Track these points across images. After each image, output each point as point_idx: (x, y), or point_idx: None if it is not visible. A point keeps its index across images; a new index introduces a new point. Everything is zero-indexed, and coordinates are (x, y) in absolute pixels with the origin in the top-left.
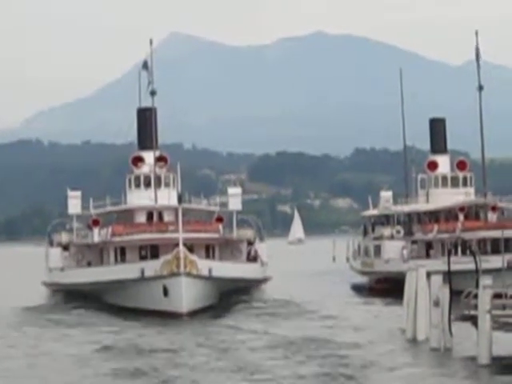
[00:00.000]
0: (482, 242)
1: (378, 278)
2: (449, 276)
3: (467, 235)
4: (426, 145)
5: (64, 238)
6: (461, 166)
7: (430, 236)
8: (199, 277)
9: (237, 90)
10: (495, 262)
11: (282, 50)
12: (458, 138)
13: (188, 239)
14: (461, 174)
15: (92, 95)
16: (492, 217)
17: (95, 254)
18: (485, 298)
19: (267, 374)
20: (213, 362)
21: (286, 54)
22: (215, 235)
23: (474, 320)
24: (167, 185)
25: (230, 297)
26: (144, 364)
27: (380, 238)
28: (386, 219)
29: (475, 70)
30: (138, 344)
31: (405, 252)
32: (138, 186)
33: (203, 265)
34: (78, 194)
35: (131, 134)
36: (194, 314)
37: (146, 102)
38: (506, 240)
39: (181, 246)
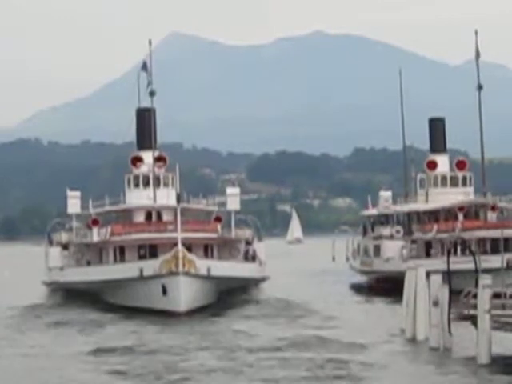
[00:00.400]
0: (481, 241)
1: (378, 277)
2: (448, 276)
3: (467, 235)
4: (425, 144)
5: (63, 237)
6: (460, 165)
7: (430, 236)
8: (198, 276)
9: (236, 89)
10: (494, 261)
11: (281, 49)
12: (457, 138)
13: (186, 239)
14: (460, 174)
15: (91, 95)
16: (491, 216)
17: (94, 254)
18: (484, 298)
19: (266, 373)
20: (211, 362)
21: (284, 54)
22: (213, 235)
23: (473, 319)
24: (166, 185)
25: (228, 296)
26: (143, 364)
27: (379, 237)
28: (385, 219)
29: (474, 70)
30: (137, 343)
31: (404, 251)
32: (136, 185)
33: (202, 264)
34: (78, 193)
35: (130, 134)
36: (192, 313)
37: (146, 103)
38: (506, 240)
39: (179, 246)
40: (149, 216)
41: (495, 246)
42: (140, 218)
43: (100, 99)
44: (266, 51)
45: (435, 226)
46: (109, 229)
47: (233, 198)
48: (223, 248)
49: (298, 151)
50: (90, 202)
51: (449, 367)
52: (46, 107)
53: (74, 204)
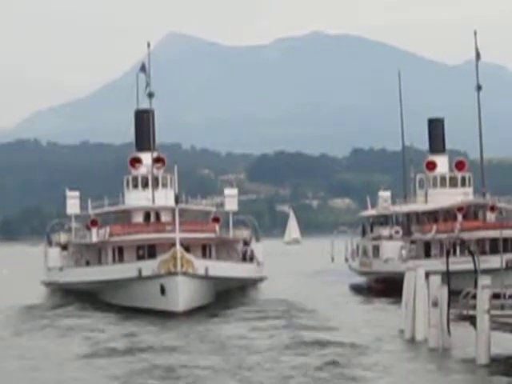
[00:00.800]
0: (480, 241)
1: (377, 278)
2: (447, 276)
3: (466, 235)
4: (424, 145)
5: (63, 237)
6: (459, 166)
7: (429, 236)
8: (196, 276)
9: (235, 90)
10: (494, 261)
11: (280, 50)
12: (456, 138)
13: (185, 239)
14: (459, 174)
15: (90, 96)
16: (490, 217)
17: (93, 254)
18: (483, 298)
19: (264, 374)
20: (209, 361)
21: (283, 54)
22: (212, 235)
23: (472, 320)
24: (164, 185)
25: (226, 296)
26: (142, 364)
27: (378, 238)
28: (384, 219)
29: (473, 70)
30: (136, 344)
31: (403, 252)
32: (135, 186)
33: (200, 264)
34: (77, 194)
35: (129, 135)
36: (190, 312)
37: (144, 104)
38: (505, 240)
39: (178, 246)
40: (147, 217)
41: (494, 247)
42: (139, 218)
43: (99, 100)
44: (264, 52)
45: (434, 227)
46: (108, 229)
47: (231, 199)
48: (221, 248)
49: (296, 151)
50: (89, 203)
51: (448, 368)
52: (44, 108)
53: (73, 205)
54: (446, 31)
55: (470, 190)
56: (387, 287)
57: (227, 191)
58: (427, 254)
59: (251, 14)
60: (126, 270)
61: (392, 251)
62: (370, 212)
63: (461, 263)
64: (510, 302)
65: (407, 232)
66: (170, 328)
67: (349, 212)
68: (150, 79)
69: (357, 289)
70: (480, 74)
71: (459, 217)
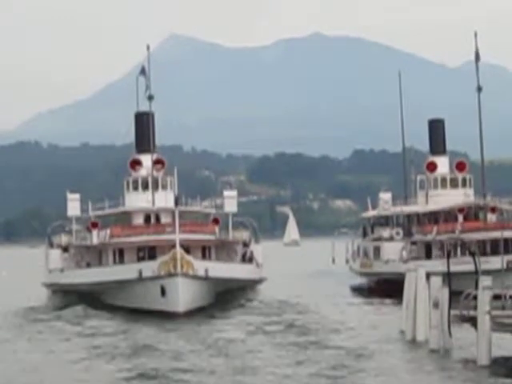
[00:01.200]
0: (481, 243)
1: (378, 279)
2: (448, 277)
3: (466, 236)
4: (425, 146)
5: (63, 239)
6: (460, 167)
7: (430, 237)
8: (195, 277)
9: (236, 91)
10: (495, 262)
11: (280, 51)
12: (457, 139)
13: (185, 240)
14: (460, 175)
15: (91, 97)
16: (491, 218)
17: (94, 256)
18: (484, 299)
19: (264, 374)
20: (208, 362)
21: (283, 56)
22: (211, 237)
23: (473, 321)
24: (164, 187)
25: (225, 297)
26: (142, 365)
27: (379, 239)
28: (385, 220)
29: (474, 71)
30: (136, 344)
31: (404, 253)
32: (135, 188)
33: (199, 265)
34: (77, 196)
35: (130, 136)
36: (190, 313)
37: (144, 106)
38: (506, 241)
39: (178, 247)
40: (147, 218)
41: (495, 248)
42: (139, 220)
43: (100, 101)
44: (265, 53)
45: (435, 228)
46: (108, 231)
47: (230, 201)
48: (221, 250)
49: (297, 153)
50: (90, 205)
51: (449, 369)
52: (45, 109)
53: (73, 207)
54: (446, 32)
55: (470, 191)
56: (388, 288)
57: (226, 193)
58: (428, 255)
59: (252, 16)
60: (127, 271)
61: (393, 252)
62: (371, 213)
63: (461, 264)
64: (511, 302)
65: (408, 233)
66: (171, 330)
67: (349, 213)
68: (149, 82)
69: (357, 290)
70: (480, 74)
71: (460, 218)
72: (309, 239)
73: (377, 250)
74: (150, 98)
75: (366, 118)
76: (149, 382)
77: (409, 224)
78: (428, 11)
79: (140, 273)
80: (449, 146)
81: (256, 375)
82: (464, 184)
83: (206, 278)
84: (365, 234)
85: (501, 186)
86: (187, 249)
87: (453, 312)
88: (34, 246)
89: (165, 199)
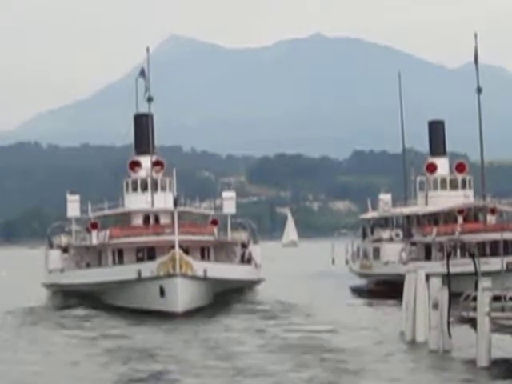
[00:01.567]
0: (481, 244)
1: (377, 280)
2: (448, 278)
3: (466, 237)
4: (424, 147)
5: (63, 240)
6: (460, 168)
7: (429, 238)
8: (194, 278)
9: (236, 92)
10: (494, 264)
11: (281, 52)
12: (456, 140)
13: (184, 241)
14: (460, 177)
15: (91, 97)
16: (491, 219)
17: (94, 256)
18: (484, 301)
19: (263, 375)
20: (207, 363)
21: (284, 57)
22: (210, 238)
23: (473, 322)
24: (163, 189)
25: (224, 297)
26: (141, 366)
27: (379, 240)
28: (384, 221)
29: (473, 72)
30: (136, 345)
31: (404, 254)
32: (135, 189)
33: (198, 266)
34: (77, 197)
35: (129, 137)
36: (189, 314)
37: (144, 108)
38: (505, 242)
39: (177, 248)
40: (147, 219)
41: (495, 249)
42: (138, 221)
43: (99, 102)
44: (265, 54)
45: (435, 229)
46: (108, 232)
47: (229, 202)
48: (220, 250)
49: (297, 154)
50: (89, 206)
51: (448, 370)
52: (45, 110)
53: (73, 208)
54: (445, 32)
55: (470, 192)
56: (388, 289)
57: (225, 194)
58: (428, 257)
59: (252, 16)
60: (126, 271)
61: (392, 253)
62: (371, 214)
63: (461, 265)
64: (511, 304)
65: (408, 234)
66: (171, 329)
67: (349, 214)
68: (149, 84)
69: (357, 291)
70: (480, 75)
71: (460, 219)
72: (309, 240)
73: (376, 251)
74: (150, 99)
75: (366, 118)
76: (147, 383)
77: (408, 225)
78: (428, 11)
79: (139, 273)
80: (449, 147)
81: (255, 376)
82: (464, 185)
83: (205, 279)
84: (364, 235)
85: (501, 188)
86: (186, 249)
87: (452, 313)
88: (34, 247)
89: (164, 200)
